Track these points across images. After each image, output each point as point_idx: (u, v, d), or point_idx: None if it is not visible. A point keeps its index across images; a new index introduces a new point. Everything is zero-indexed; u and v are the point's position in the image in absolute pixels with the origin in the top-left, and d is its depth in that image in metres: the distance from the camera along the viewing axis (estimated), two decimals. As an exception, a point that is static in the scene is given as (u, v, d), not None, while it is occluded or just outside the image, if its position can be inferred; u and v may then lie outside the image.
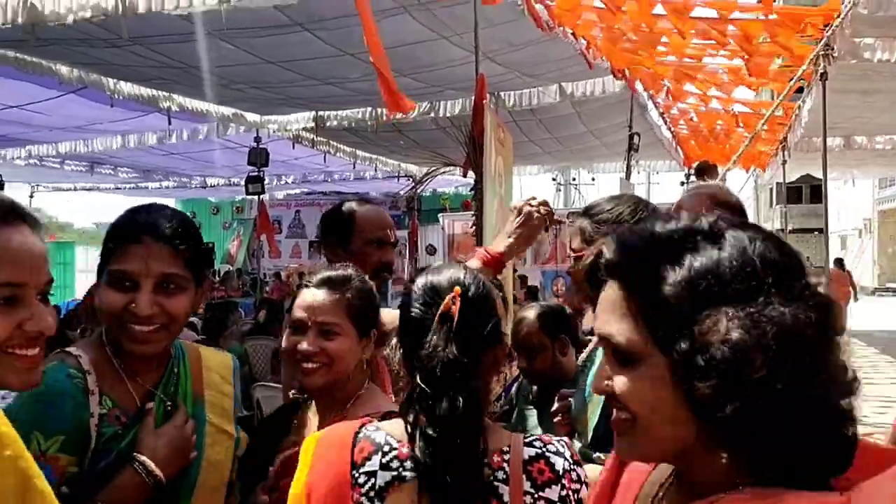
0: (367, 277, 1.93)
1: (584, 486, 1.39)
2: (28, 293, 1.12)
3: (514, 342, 2.78)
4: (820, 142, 8.27)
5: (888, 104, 8.76)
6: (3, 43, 5.70)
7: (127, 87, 7.19)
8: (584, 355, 2.41)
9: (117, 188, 15.61)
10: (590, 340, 2.40)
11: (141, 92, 7.34)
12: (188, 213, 1.93)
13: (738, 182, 17.06)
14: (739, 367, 0.79)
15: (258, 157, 9.75)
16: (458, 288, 1.41)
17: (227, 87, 7.25)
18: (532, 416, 2.89)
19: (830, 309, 0.85)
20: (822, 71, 6.77)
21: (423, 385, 1.37)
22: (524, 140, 9.69)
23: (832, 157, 9.61)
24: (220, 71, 6.51)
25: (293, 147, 10.19)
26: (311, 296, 1.83)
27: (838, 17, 5.86)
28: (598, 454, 1.99)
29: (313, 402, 1.91)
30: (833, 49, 6.35)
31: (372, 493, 1.35)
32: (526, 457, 1.39)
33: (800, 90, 8.15)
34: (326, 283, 1.84)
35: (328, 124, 8.93)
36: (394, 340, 1.50)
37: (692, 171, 9.51)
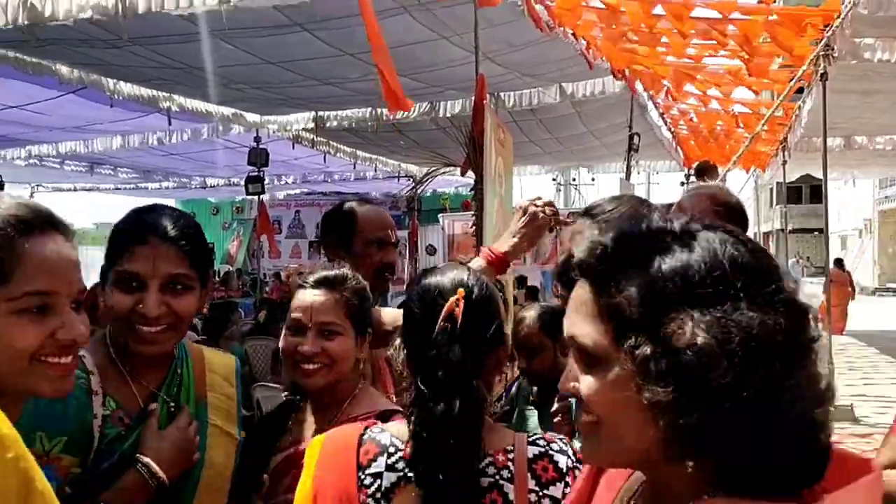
0: (360, 276, 1.93)
1: None
2: (60, 302, 1.12)
3: (515, 342, 2.78)
4: (820, 142, 8.28)
5: (888, 104, 8.77)
6: (3, 43, 5.70)
7: (127, 88, 7.19)
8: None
9: (117, 188, 15.61)
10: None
11: (141, 92, 7.34)
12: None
13: (738, 182, 17.07)
14: (703, 374, 0.77)
15: (258, 157, 9.75)
16: (461, 290, 1.42)
17: (227, 88, 7.25)
18: (532, 416, 2.89)
19: (803, 315, 0.82)
20: (822, 71, 6.78)
21: (425, 386, 1.38)
22: (524, 140, 9.70)
23: (832, 158, 9.62)
24: (220, 71, 6.51)
25: (293, 147, 10.19)
26: (310, 296, 1.82)
27: (838, 17, 5.86)
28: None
29: (306, 401, 1.91)
30: (833, 49, 6.36)
31: (378, 495, 1.37)
32: (530, 455, 1.41)
33: (800, 90, 8.16)
34: (324, 283, 1.84)
35: (328, 124, 8.94)
36: (397, 341, 1.51)
37: (692, 172, 9.51)
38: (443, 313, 1.40)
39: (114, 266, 1.60)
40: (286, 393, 1.99)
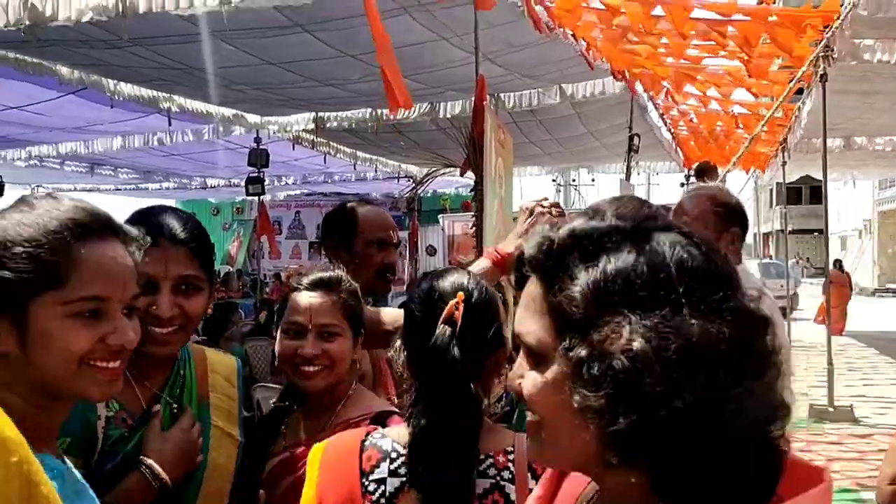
0: (351, 278, 1.92)
1: None
2: (113, 307, 1.13)
3: (515, 343, 2.78)
4: (820, 143, 8.29)
5: (888, 105, 8.78)
6: (3, 44, 5.70)
7: (127, 88, 7.20)
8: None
9: (117, 189, 15.62)
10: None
11: (141, 93, 7.35)
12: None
13: (738, 183, 17.09)
14: (636, 380, 0.74)
15: (258, 157, 9.76)
16: (461, 293, 1.44)
17: (227, 88, 7.26)
18: (533, 416, 2.89)
19: (757, 325, 0.78)
20: (821, 72, 6.79)
21: (424, 388, 1.41)
22: (524, 141, 9.70)
23: (832, 158, 9.64)
24: (220, 72, 6.51)
25: (293, 148, 10.21)
26: (308, 298, 1.82)
27: (838, 18, 5.87)
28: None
29: (297, 404, 1.90)
30: (833, 50, 6.37)
31: (382, 500, 1.38)
32: None
33: (800, 91, 8.17)
34: (321, 285, 1.84)
35: (328, 125, 8.95)
36: (398, 342, 1.52)
37: (692, 173, 9.52)
38: (443, 316, 1.41)
39: None
40: (274, 400, 1.99)
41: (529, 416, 0.87)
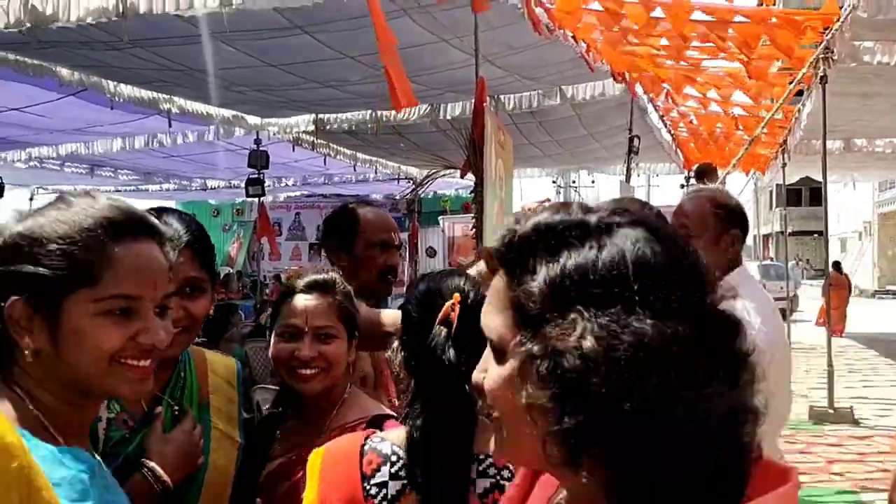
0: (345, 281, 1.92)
1: None
2: (144, 306, 1.14)
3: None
4: (819, 144, 8.30)
5: (888, 107, 8.78)
6: (3, 45, 5.71)
7: (127, 90, 7.20)
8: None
9: (118, 191, 15.59)
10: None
11: (141, 94, 7.35)
12: (187, 216, 1.94)
13: (737, 184, 17.07)
14: (583, 380, 0.72)
15: (258, 159, 9.76)
16: (457, 295, 1.44)
17: (227, 90, 7.26)
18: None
19: (718, 327, 0.75)
20: (821, 74, 6.79)
21: (421, 388, 1.42)
22: (524, 143, 9.71)
23: (832, 160, 9.64)
24: (221, 73, 6.52)
25: (293, 149, 10.21)
26: (304, 301, 1.81)
27: (838, 20, 5.87)
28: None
29: (291, 408, 1.89)
30: (833, 52, 6.38)
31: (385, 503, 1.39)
32: None
33: (799, 93, 8.17)
34: (316, 287, 1.83)
35: (329, 127, 8.95)
36: (395, 343, 1.52)
37: (692, 174, 9.53)
38: (439, 317, 1.42)
39: None
40: (268, 406, 1.98)
41: (491, 412, 0.86)
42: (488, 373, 0.85)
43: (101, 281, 1.09)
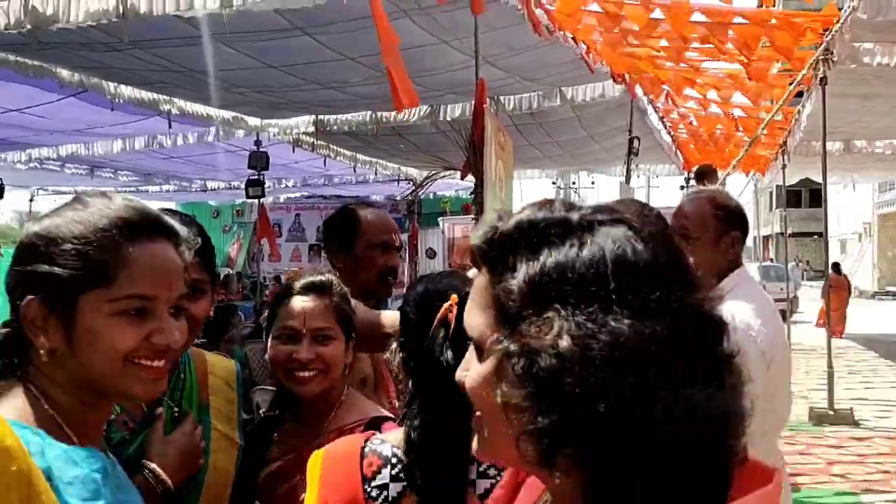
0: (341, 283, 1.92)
1: None
2: (159, 307, 1.14)
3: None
4: (819, 146, 8.30)
5: (888, 108, 8.78)
6: (4, 46, 5.71)
7: (127, 91, 7.20)
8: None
9: (118, 192, 15.60)
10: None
11: (141, 95, 7.35)
12: (187, 217, 1.94)
13: (737, 186, 17.09)
14: (557, 379, 0.71)
15: (258, 160, 9.76)
16: (454, 296, 1.44)
17: (228, 91, 7.26)
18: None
19: (700, 328, 0.74)
20: (821, 75, 6.80)
21: (418, 389, 1.42)
22: (524, 144, 9.71)
23: (832, 162, 9.64)
24: (221, 75, 6.52)
25: (293, 151, 10.21)
26: (302, 302, 1.81)
27: (838, 21, 5.88)
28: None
29: (289, 411, 1.89)
30: (833, 53, 6.38)
31: None
32: None
33: (799, 94, 8.18)
34: (313, 289, 1.82)
35: (329, 128, 8.95)
36: (394, 344, 1.52)
37: (692, 175, 9.53)
38: (437, 318, 1.42)
39: None
40: (263, 410, 1.98)
41: (476, 412, 0.86)
42: (469, 371, 0.85)
43: (115, 281, 1.10)
